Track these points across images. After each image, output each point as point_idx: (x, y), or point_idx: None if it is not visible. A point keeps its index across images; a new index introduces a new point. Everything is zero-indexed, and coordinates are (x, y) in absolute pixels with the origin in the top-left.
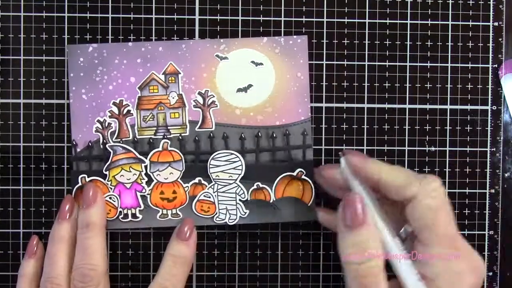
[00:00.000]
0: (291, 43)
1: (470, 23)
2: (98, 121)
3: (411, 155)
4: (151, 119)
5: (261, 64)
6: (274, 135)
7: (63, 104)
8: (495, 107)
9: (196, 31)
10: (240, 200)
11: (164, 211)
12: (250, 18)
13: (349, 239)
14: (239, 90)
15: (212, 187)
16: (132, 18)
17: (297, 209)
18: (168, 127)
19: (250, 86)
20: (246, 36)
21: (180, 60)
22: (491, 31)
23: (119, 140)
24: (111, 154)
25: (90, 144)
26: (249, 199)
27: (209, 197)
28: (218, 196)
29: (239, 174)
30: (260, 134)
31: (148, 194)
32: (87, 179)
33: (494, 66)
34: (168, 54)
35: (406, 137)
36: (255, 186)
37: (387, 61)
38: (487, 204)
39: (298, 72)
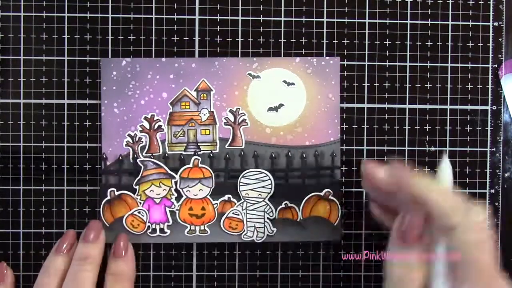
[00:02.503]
0: (323, 64)
1: (470, 23)
2: (129, 135)
3: (411, 155)
4: (181, 135)
5: (293, 84)
6: (305, 156)
7: (63, 104)
8: (495, 107)
9: (196, 31)
10: (268, 218)
11: (192, 227)
12: (250, 18)
13: (398, 250)
14: (270, 109)
15: (241, 204)
16: (132, 18)
17: (324, 228)
18: (199, 144)
19: (281, 105)
20: (246, 37)
21: (212, 77)
22: (491, 31)
23: (149, 155)
24: (141, 169)
25: (120, 158)
26: (276, 217)
27: (238, 215)
28: (246, 214)
29: (268, 193)
30: (290, 154)
31: (177, 209)
32: (116, 193)
33: (494, 66)
34: (201, 71)
35: (406, 137)
36: (283, 205)
37: (387, 61)
38: (487, 204)
39: (330, 93)
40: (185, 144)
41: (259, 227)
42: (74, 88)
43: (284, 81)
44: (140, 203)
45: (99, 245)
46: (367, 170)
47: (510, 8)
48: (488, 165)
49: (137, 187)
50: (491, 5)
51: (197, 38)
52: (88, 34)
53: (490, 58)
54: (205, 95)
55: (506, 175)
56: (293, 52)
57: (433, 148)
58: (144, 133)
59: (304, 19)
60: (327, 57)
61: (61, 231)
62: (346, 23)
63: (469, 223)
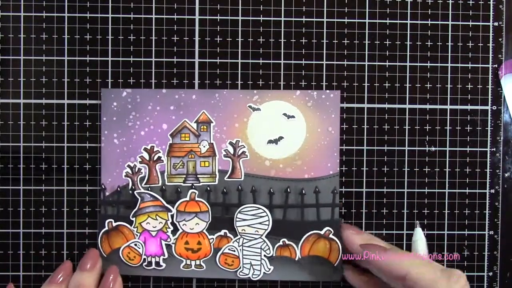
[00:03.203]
0: (324, 98)
1: (470, 23)
2: (129, 166)
3: (411, 155)
4: (181, 167)
5: (293, 117)
6: (304, 192)
7: (63, 104)
8: (495, 107)
9: (196, 31)
10: (265, 255)
11: (188, 262)
12: (250, 18)
13: None
14: (270, 141)
15: (238, 240)
16: (132, 18)
17: (323, 268)
18: (198, 176)
19: (281, 138)
20: (246, 38)
21: (213, 109)
22: (491, 31)
23: (148, 186)
24: (138, 201)
25: (119, 189)
26: (274, 255)
27: (234, 251)
28: (243, 250)
29: (266, 230)
30: (289, 190)
31: (173, 243)
32: (114, 224)
33: (494, 66)
34: (201, 103)
35: (406, 137)
36: (281, 243)
37: (387, 61)
38: (487, 204)
39: (329, 127)
40: (184, 176)
41: (256, 265)
42: (74, 88)
43: (284, 114)
44: (137, 235)
45: (95, 274)
46: (344, 237)
47: (510, 8)
48: (488, 165)
49: (134, 219)
50: (491, 5)
51: (197, 38)
52: (88, 34)
53: (490, 58)
54: (205, 127)
55: (506, 175)
56: (293, 52)
57: (433, 148)
58: (143, 164)
59: (304, 19)
60: (327, 91)
61: (61, 231)
62: (346, 23)
63: None
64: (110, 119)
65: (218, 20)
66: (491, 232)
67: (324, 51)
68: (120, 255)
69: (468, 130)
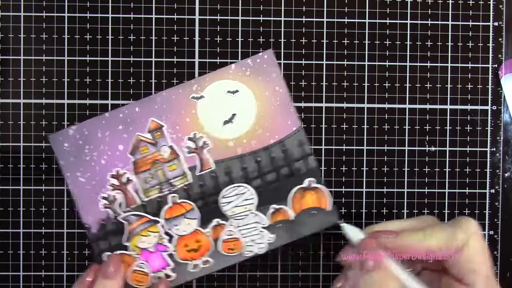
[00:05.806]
0: (259, 61)
1: (470, 23)
2: (103, 197)
3: (411, 155)
4: (151, 179)
5: (237, 91)
6: (273, 155)
7: (63, 104)
8: (495, 107)
9: (196, 31)
10: (262, 227)
11: (195, 262)
12: (250, 18)
13: (365, 280)
14: (225, 122)
15: (232, 224)
16: (132, 18)
17: (319, 217)
18: (170, 181)
19: (234, 115)
20: (246, 37)
21: (159, 114)
22: (491, 31)
23: (128, 209)
24: (125, 225)
25: (102, 222)
26: (270, 223)
27: (232, 235)
28: (240, 231)
29: (253, 203)
30: (259, 159)
31: (174, 251)
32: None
33: (494, 66)
34: (146, 112)
35: (406, 137)
36: (272, 209)
37: (387, 61)
38: (487, 204)
39: (276, 86)
40: (158, 186)
41: (257, 239)
42: (74, 88)
43: (229, 91)
44: (137, 257)
45: (117, 282)
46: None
47: (510, 8)
48: (488, 165)
49: (127, 243)
50: (491, 5)
51: (197, 38)
52: (88, 34)
53: (490, 58)
54: (159, 133)
55: (506, 175)
56: (293, 52)
57: (433, 148)
58: (116, 190)
59: (304, 19)
60: (260, 53)
61: (61, 231)
62: (346, 23)
63: (470, 235)
64: (67, 161)
65: (218, 20)
66: (491, 232)
67: (324, 51)
68: (128, 281)
69: (468, 130)
